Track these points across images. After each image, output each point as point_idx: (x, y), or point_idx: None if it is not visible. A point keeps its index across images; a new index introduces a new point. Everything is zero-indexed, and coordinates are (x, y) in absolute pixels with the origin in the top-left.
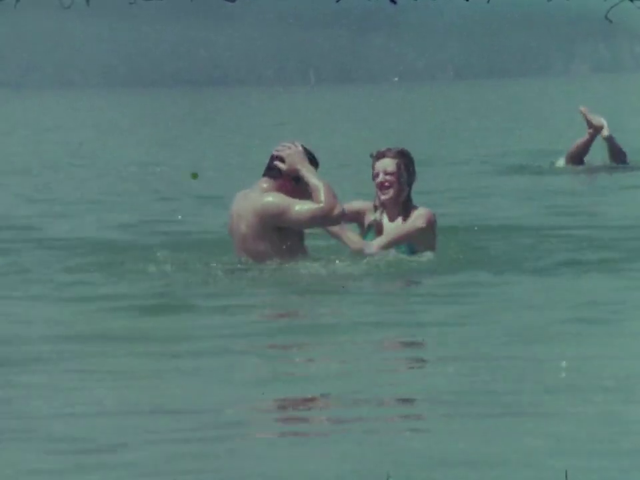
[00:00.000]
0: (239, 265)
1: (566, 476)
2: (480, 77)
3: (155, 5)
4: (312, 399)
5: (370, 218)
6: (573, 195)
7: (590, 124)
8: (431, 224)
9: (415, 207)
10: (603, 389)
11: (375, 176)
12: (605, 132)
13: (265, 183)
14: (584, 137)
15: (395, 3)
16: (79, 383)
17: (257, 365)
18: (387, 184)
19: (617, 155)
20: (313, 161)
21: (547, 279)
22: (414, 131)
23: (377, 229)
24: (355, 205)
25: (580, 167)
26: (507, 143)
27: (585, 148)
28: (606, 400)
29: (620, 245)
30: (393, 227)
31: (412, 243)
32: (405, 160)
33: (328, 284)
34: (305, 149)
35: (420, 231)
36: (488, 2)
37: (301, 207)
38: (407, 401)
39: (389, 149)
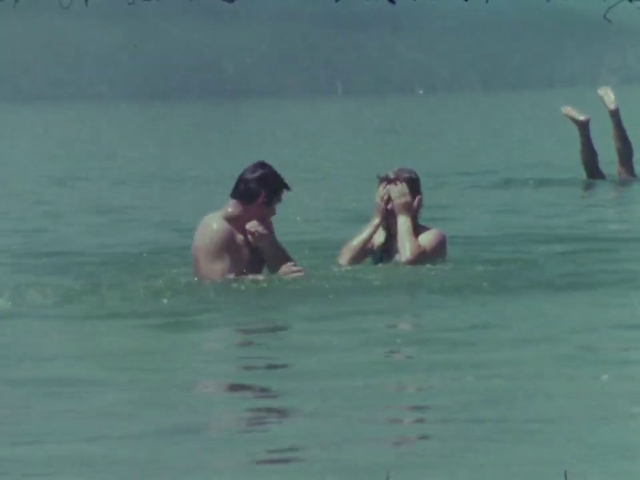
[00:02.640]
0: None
1: (565, 476)
2: (507, 88)
3: (154, 5)
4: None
5: (376, 242)
6: (598, 208)
7: (573, 120)
8: (444, 245)
9: (424, 227)
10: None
11: (385, 201)
12: (611, 105)
13: (232, 207)
14: (580, 139)
15: (393, 2)
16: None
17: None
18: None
19: (622, 137)
20: (283, 185)
21: (562, 294)
22: (438, 144)
23: (387, 251)
24: (357, 242)
25: (602, 181)
26: (532, 155)
27: (587, 151)
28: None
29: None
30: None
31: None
32: (414, 184)
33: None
34: (274, 173)
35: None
36: (487, 2)
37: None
38: (406, 407)
39: (397, 174)
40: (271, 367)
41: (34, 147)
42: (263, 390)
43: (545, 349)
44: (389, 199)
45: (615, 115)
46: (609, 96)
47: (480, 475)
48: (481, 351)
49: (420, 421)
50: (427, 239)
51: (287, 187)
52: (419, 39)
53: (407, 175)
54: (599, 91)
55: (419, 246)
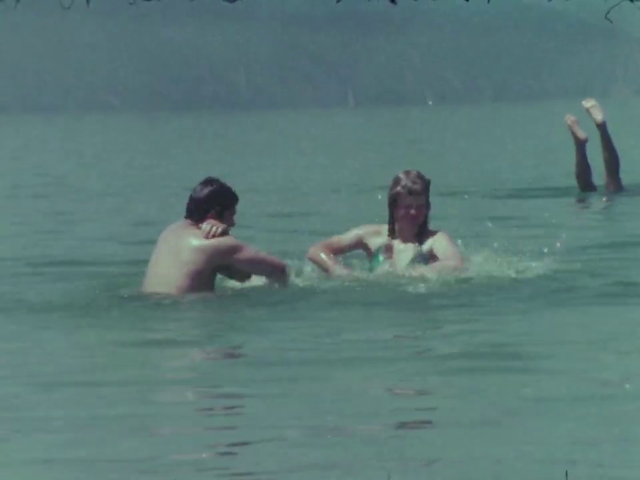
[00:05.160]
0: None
1: (566, 476)
2: (519, 99)
3: (155, 5)
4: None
5: (376, 241)
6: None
7: (574, 136)
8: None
9: (430, 230)
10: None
11: (407, 207)
12: (599, 118)
13: (188, 227)
14: (575, 155)
15: (394, 3)
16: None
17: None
18: (420, 217)
19: (610, 148)
20: (233, 197)
21: (567, 306)
22: (447, 155)
23: (387, 250)
24: (350, 235)
25: (593, 194)
26: (542, 166)
27: (582, 167)
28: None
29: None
30: (446, 252)
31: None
32: (428, 189)
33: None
34: (221, 189)
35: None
36: (488, 1)
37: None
38: (406, 406)
39: (416, 183)
40: (262, 370)
41: (41, 157)
42: (262, 389)
43: (553, 360)
44: (395, 203)
45: (602, 127)
46: (595, 109)
47: (480, 475)
48: (486, 359)
49: (421, 422)
50: (443, 243)
51: (236, 202)
52: (428, 48)
53: (426, 181)
54: (583, 103)
55: (456, 252)
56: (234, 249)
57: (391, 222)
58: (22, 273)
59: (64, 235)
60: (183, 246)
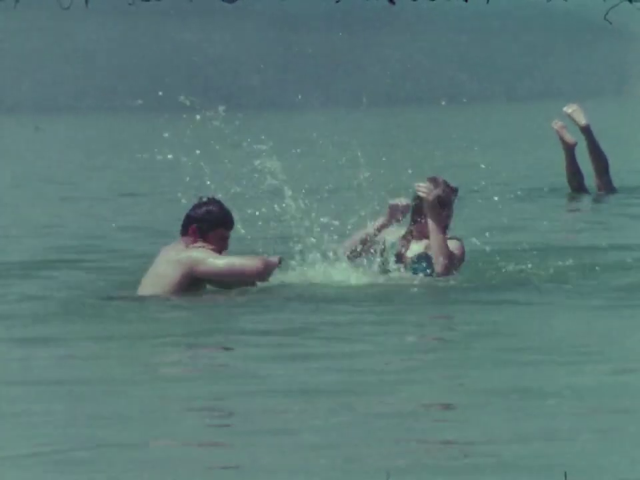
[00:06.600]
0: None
1: (565, 476)
2: (533, 99)
3: (154, 5)
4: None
5: (391, 237)
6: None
7: (562, 141)
8: (464, 253)
9: (448, 237)
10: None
11: (407, 206)
12: (582, 121)
13: (183, 242)
14: (565, 160)
15: (393, 3)
16: None
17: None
18: (444, 226)
19: (596, 151)
20: (227, 222)
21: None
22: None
23: (403, 245)
24: (358, 235)
25: (585, 195)
26: (549, 167)
27: (572, 171)
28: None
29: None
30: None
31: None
32: (454, 200)
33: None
34: (214, 211)
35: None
36: (487, 1)
37: (229, 260)
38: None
39: (443, 195)
40: (261, 375)
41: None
42: (265, 387)
43: (553, 360)
44: (417, 202)
45: (586, 130)
46: (577, 113)
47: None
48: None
49: (420, 422)
50: (453, 248)
51: (225, 226)
52: (440, 48)
53: (453, 187)
54: (565, 109)
55: (451, 261)
56: (194, 262)
57: (413, 222)
58: (21, 272)
59: (66, 235)
60: (161, 259)
